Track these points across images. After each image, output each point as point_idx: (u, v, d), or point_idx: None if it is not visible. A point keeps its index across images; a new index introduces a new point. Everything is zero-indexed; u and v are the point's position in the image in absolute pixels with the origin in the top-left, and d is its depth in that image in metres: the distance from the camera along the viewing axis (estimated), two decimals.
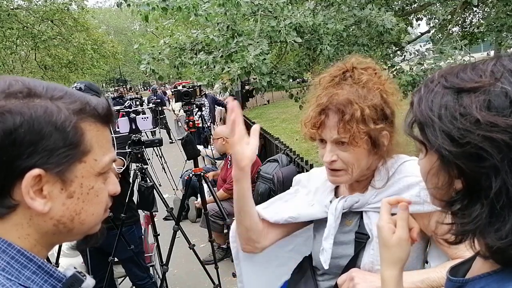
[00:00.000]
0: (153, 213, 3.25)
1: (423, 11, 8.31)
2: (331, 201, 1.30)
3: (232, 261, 4.56)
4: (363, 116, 1.13)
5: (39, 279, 0.64)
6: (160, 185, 5.88)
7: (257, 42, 4.32)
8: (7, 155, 0.60)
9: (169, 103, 13.92)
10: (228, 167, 4.34)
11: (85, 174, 0.66)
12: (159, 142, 2.99)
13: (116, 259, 2.85)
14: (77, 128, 0.64)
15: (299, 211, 1.35)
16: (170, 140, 11.24)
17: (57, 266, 2.43)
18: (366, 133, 1.14)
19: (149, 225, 3.59)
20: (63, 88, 0.67)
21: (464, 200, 0.62)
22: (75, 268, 0.69)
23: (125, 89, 21.56)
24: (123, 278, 3.45)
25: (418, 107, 0.67)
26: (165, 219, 5.13)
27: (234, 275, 3.94)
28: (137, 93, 21.68)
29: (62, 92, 0.66)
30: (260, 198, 3.43)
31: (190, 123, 3.33)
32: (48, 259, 0.74)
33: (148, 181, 2.87)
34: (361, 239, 1.23)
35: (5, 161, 0.60)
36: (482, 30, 8.43)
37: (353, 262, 1.22)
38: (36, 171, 0.61)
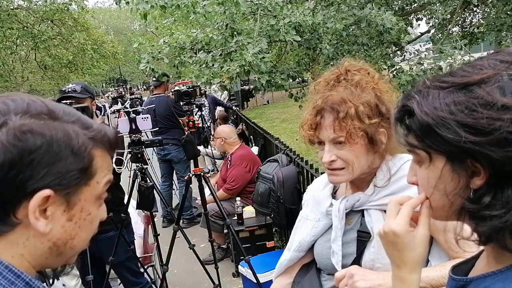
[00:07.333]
0: (153, 213, 3.23)
1: (423, 11, 8.31)
2: (331, 204, 1.31)
3: (232, 261, 4.54)
4: (358, 113, 1.15)
5: None
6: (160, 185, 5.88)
7: (257, 41, 4.32)
8: (22, 175, 0.60)
9: None
10: (228, 167, 4.34)
11: (88, 197, 0.68)
12: (159, 142, 2.98)
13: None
14: (90, 154, 0.66)
15: (301, 242, 1.38)
16: None
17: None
18: (362, 130, 1.16)
19: (149, 225, 3.58)
20: (76, 112, 0.69)
21: (490, 191, 0.61)
22: (63, 285, 0.69)
23: (125, 89, 21.59)
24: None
25: (420, 111, 0.65)
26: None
27: (234, 275, 3.93)
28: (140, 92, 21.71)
29: (75, 117, 0.67)
30: (260, 198, 3.42)
31: (190, 123, 3.32)
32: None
33: (148, 181, 2.86)
34: (363, 238, 1.24)
35: (18, 180, 0.60)
36: (482, 30, 8.43)
37: (356, 261, 1.24)
38: (47, 192, 0.62)
